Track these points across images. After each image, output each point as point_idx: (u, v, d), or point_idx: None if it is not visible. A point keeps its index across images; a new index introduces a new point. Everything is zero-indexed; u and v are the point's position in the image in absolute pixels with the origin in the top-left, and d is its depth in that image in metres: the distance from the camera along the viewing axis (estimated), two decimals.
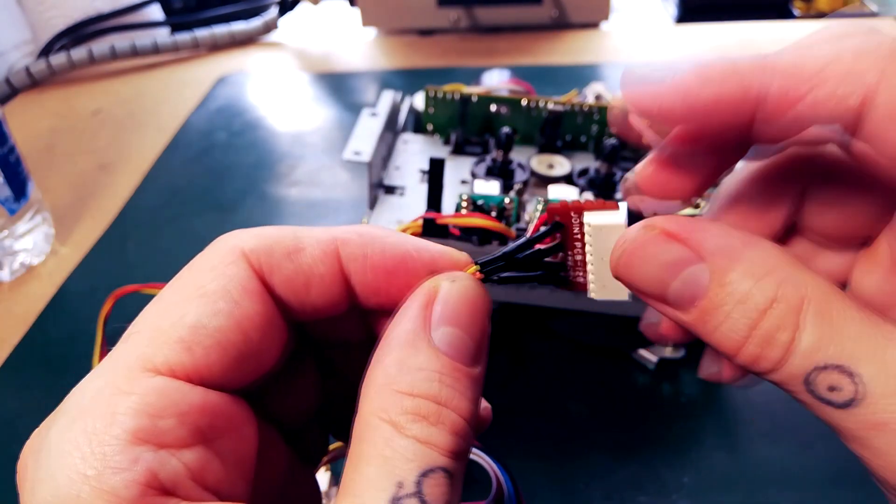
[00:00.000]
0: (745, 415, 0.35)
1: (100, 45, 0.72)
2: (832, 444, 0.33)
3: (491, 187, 0.35)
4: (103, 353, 0.39)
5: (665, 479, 0.32)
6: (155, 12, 0.81)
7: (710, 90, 0.16)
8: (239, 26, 0.79)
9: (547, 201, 0.34)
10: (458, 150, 0.43)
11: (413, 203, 0.39)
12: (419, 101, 0.46)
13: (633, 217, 0.18)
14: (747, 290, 0.15)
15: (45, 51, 0.74)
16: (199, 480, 0.15)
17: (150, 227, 0.51)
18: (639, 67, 0.17)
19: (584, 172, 0.40)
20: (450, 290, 0.16)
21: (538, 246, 0.19)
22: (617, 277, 0.18)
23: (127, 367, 0.15)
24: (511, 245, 0.19)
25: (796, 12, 0.80)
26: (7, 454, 0.36)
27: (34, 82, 0.72)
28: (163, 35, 0.78)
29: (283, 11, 0.80)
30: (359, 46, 0.79)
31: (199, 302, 0.16)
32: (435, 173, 0.34)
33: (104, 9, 0.76)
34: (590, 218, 0.18)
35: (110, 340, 0.41)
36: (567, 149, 0.44)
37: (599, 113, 0.42)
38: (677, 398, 0.36)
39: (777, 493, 0.32)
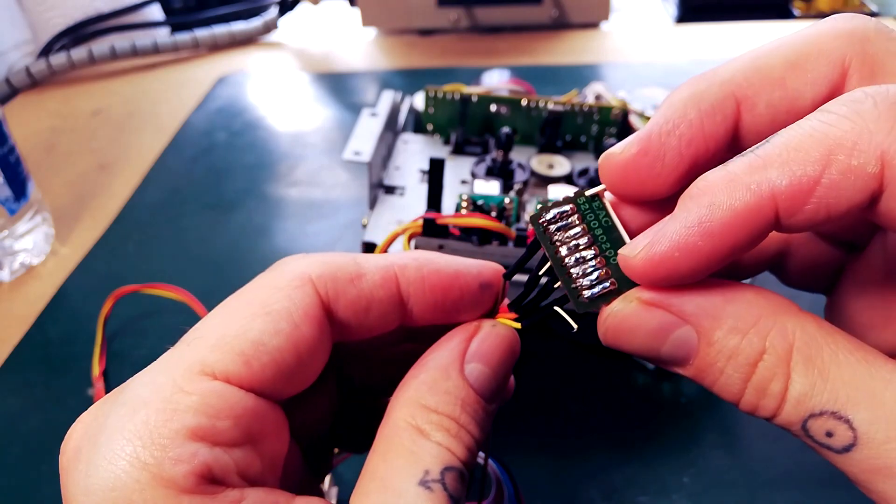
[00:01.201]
0: (745, 415, 0.35)
1: (100, 45, 0.72)
2: None
3: (491, 187, 0.35)
4: (103, 353, 0.39)
5: (665, 479, 0.32)
6: (155, 12, 0.81)
7: (721, 212, 0.15)
8: (239, 26, 0.79)
9: (547, 201, 0.34)
10: (458, 151, 0.43)
11: (413, 203, 0.39)
12: (419, 101, 0.46)
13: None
14: (735, 345, 0.15)
15: (45, 51, 0.74)
16: (243, 475, 0.16)
17: (150, 227, 0.51)
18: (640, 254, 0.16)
19: (584, 172, 0.40)
20: (489, 332, 0.19)
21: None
22: (610, 344, 0.18)
23: (187, 369, 0.16)
24: (534, 284, 0.19)
25: (796, 12, 0.80)
26: (7, 454, 0.36)
27: (34, 82, 0.72)
28: (163, 35, 0.78)
29: (283, 11, 0.80)
30: (359, 46, 0.79)
31: (263, 320, 0.17)
32: (435, 173, 0.34)
33: (104, 9, 0.76)
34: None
35: (110, 340, 0.41)
36: (567, 149, 0.44)
37: (599, 113, 0.42)
38: (677, 398, 0.36)
39: (777, 493, 0.32)
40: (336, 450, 0.25)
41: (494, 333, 0.19)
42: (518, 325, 0.20)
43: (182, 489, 0.15)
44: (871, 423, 0.14)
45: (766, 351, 0.15)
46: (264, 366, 0.17)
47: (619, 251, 0.17)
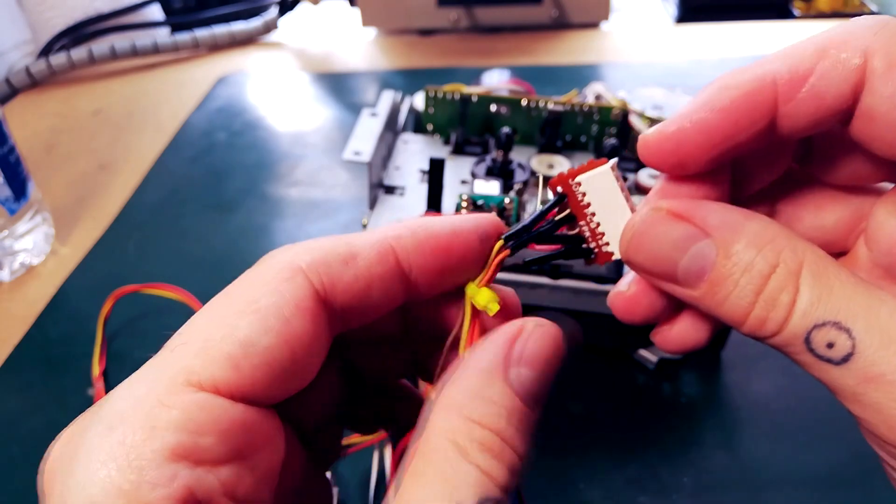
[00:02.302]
0: (745, 415, 0.35)
1: (100, 45, 0.72)
2: (832, 444, 0.33)
3: (491, 187, 0.35)
4: (103, 353, 0.39)
5: (665, 479, 0.32)
6: (155, 12, 0.81)
7: (730, 93, 0.17)
8: (239, 26, 0.79)
9: (547, 201, 0.34)
10: (458, 151, 0.43)
11: (413, 203, 0.39)
12: (419, 101, 0.46)
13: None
14: (751, 258, 0.16)
15: (45, 51, 0.74)
16: (230, 495, 0.15)
17: (150, 227, 0.51)
18: (651, 129, 0.18)
19: None
20: (533, 333, 0.17)
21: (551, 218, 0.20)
22: (627, 262, 0.19)
23: (170, 379, 0.15)
24: (526, 219, 0.19)
25: (796, 12, 0.80)
26: (7, 454, 0.36)
27: (34, 82, 0.72)
28: (163, 35, 0.78)
29: (283, 11, 0.80)
30: (359, 46, 0.79)
31: (252, 318, 0.16)
32: (435, 173, 0.34)
33: (104, 9, 0.76)
34: (580, 176, 0.19)
35: (110, 340, 0.41)
36: (567, 149, 0.44)
37: (599, 113, 0.43)
38: (677, 398, 0.36)
39: (777, 494, 0.32)
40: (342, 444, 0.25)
41: (540, 334, 0.18)
42: (507, 251, 0.19)
43: None
44: (867, 332, 0.15)
45: (778, 265, 0.16)
46: (255, 368, 0.15)
47: (641, 135, 0.18)
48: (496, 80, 0.52)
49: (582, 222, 0.20)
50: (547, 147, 0.43)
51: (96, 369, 0.39)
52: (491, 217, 0.19)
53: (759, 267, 0.16)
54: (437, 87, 0.43)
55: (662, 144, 0.18)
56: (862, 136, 0.17)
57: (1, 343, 0.42)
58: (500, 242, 0.19)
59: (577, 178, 0.19)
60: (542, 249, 0.22)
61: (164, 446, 0.14)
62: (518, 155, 0.41)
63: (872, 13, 0.78)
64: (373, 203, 0.39)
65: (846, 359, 0.16)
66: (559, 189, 0.20)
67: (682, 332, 0.20)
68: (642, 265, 0.18)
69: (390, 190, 0.40)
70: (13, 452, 0.35)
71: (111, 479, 0.14)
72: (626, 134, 0.42)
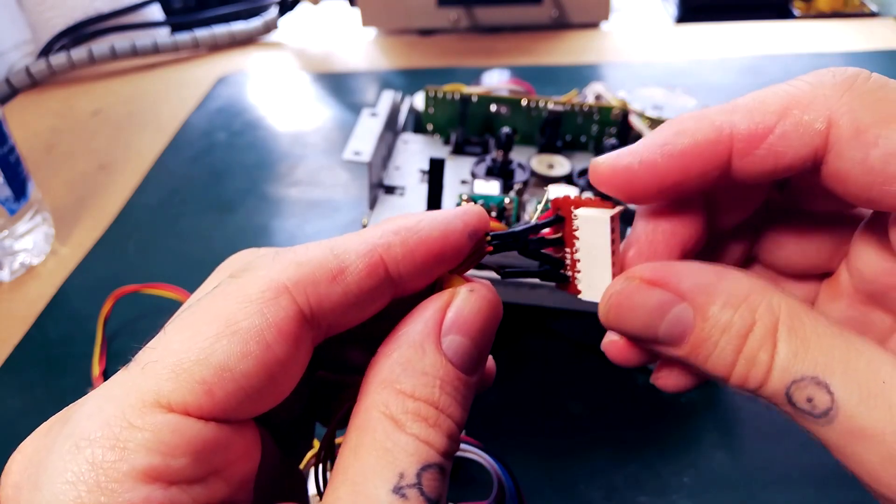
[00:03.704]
0: (745, 415, 0.35)
1: (100, 45, 0.72)
2: None
3: (491, 187, 0.35)
4: (103, 353, 0.39)
5: (665, 479, 0.32)
6: (155, 12, 0.81)
7: (683, 140, 0.18)
8: (239, 26, 0.79)
9: (547, 201, 0.34)
10: (458, 151, 0.43)
11: (413, 203, 0.39)
12: (419, 101, 0.46)
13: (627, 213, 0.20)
14: (728, 318, 0.17)
15: (45, 51, 0.74)
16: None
17: (150, 227, 0.51)
18: (604, 157, 0.19)
19: (584, 172, 0.40)
20: (466, 299, 0.17)
21: (542, 234, 0.20)
22: (610, 328, 0.19)
23: (140, 400, 0.14)
24: (519, 226, 0.20)
25: (796, 12, 0.80)
26: (7, 454, 0.36)
27: (34, 82, 0.72)
28: (163, 35, 0.78)
29: (283, 11, 0.80)
30: (359, 46, 0.79)
31: (230, 340, 0.15)
32: (435, 173, 0.34)
33: (104, 9, 0.76)
34: (580, 210, 0.20)
35: (110, 340, 0.41)
36: (567, 149, 0.44)
37: (599, 113, 0.43)
38: (677, 398, 0.36)
39: (777, 493, 0.32)
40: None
41: (473, 299, 0.17)
42: (490, 248, 0.19)
43: None
44: (845, 386, 0.15)
45: (755, 323, 0.16)
46: (229, 394, 0.15)
47: (592, 159, 0.19)
48: (496, 80, 0.52)
49: (568, 250, 0.20)
50: (547, 147, 0.43)
51: (96, 369, 0.39)
52: (477, 211, 0.19)
53: (736, 327, 0.16)
54: (437, 87, 0.43)
55: (612, 177, 0.19)
56: (833, 188, 0.17)
57: (1, 343, 0.42)
58: (487, 238, 0.19)
59: (577, 211, 0.20)
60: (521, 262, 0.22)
61: (135, 468, 0.14)
62: (518, 155, 0.41)
63: (873, 14, 0.78)
64: (373, 203, 0.39)
65: (826, 413, 0.16)
66: (559, 211, 0.20)
67: (677, 378, 0.21)
68: (624, 331, 0.19)
69: (390, 190, 0.40)
70: (13, 452, 0.35)
71: (80, 498, 0.13)
72: (626, 134, 0.42)
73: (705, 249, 0.21)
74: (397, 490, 0.15)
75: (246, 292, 0.15)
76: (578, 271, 0.20)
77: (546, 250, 0.20)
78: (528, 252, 0.20)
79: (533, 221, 0.20)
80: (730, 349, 0.17)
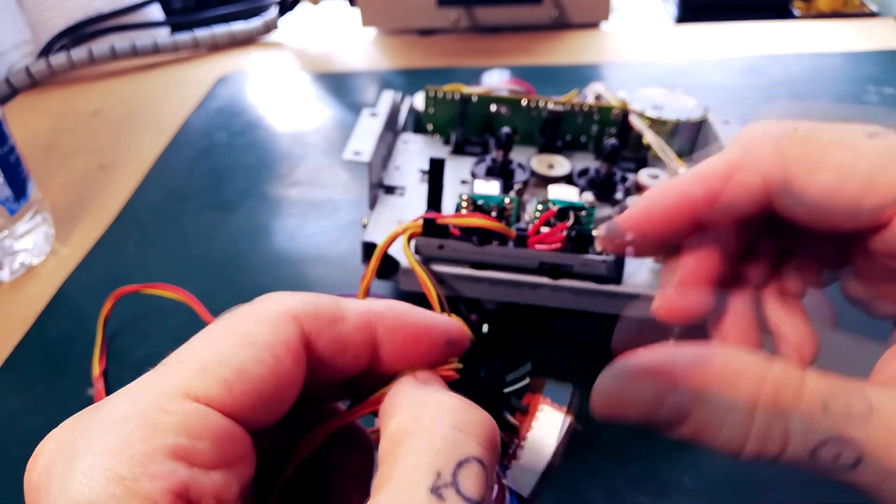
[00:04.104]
0: None
1: (100, 45, 0.72)
2: None
3: (491, 187, 0.35)
4: (103, 353, 0.39)
5: (666, 480, 0.32)
6: (155, 12, 0.81)
7: (654, 211, 0.23)
8: (239, 26, 0.79)
9: (547, 201, 0.34)
10: (458, 151, 0.43)
11: (413, 203, 0.39)
12: (419, 101, 0.46)
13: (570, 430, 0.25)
14: (730, 399, 0.17)
15: (45, 51, 0.75)
16: (218, 499, 0.16)
17: (151, 227, 0.51)
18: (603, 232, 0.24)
19: (584, 172, 0.40)
20: (429, 375, 0.20)
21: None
22: (606, 419, 0.20)
23: (169, 391, 0.16)
24: (500, 381, 0.24)
25: (796, 12, 0.80)
26: (7, 454, 0.36)
27: (34, 82, 0.72)
28: (163, 35, 0.78)
29: (283, 11, 0.80)
30: (359, 46, 0.79)
31: (248, 349, 0.17)
32: (435, 173, 0.34)
33: (104, 9, 0.76)
34: (544, 406, 0.25)
35: (110, 340, 0.41)
36: (567, 149, 0.44)
37: (599, 113, 0.42)
38: None
39: (778, 494, 0.32)
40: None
41: (432, 376, 0.20)
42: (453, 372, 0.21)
43: None
44: (869, 436, 0.16)
45: (759, 400, 0.17)
46: (245, 394, 0.17)
47: (598, 231, 0.24)
48: (496, 80, 0.52)
49: (516, 441, 0.24)
50: (547, 147, 0.43)
51: (96, 369, 0.39)
52: (462, 328, 0.21)
53: (740, 405, 0.17)
54: (437, 87, 0.43)
55: (613, 245, 0.24)
56: (790, 219, 0.21)
57: (1, 343, 0.42)
58: (456, 365, 0.21)
59: (541, 406, 0.25)
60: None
61: (163, 445, 0.15)
62: (518, 155, 0.41)
63: (873, 14, 0.78)
64: (373, 203, 0.39)
65: (856, 465, 0.16)
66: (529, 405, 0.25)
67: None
68: (623, 420, 0.20)
69: (390, 190, 0.40)
70: (13, 452, 0.35)
71: (113, 469, 0.15)
72: (626, 134, 0.42)
73: (734, 270, 0.24)
74: (435, 490, 0.15)
75: (262, 315, 0.18)
76: (515, 457, 0.24)
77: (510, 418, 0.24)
78: (495, 404, 0.24)
79: (512, 382, 0.25)
80: (738, 429, 0.17)
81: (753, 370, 0.17)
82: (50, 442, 0.17)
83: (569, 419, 0.23)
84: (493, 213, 0.34)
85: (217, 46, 0.79)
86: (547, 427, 0.24)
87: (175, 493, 0.15)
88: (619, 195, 0.38)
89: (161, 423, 0.16)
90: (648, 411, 0.19)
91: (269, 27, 0.80)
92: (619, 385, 0.19)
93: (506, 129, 0.38)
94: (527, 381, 0.24)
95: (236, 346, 0.17)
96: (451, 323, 0.21)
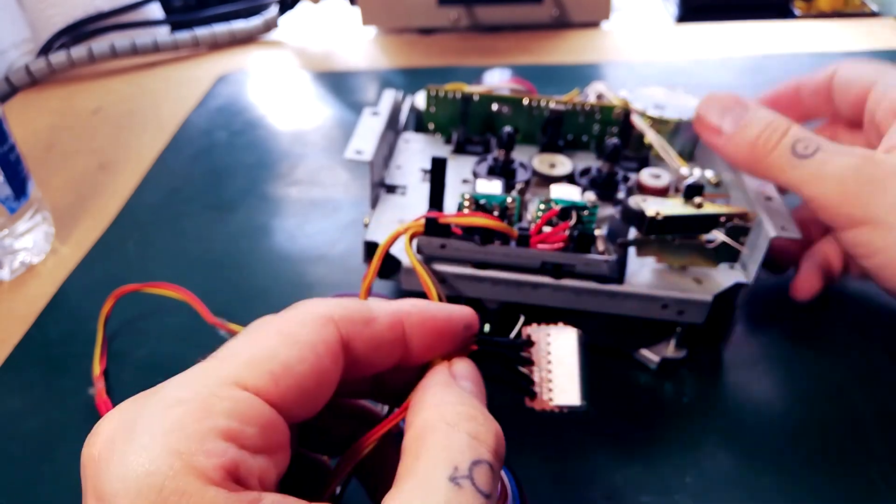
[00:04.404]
0: (747, 415, 0.35)
1: (100, 44, 0.72)
2: (833, 443, 0.33)
3: (493, 187, 0.35)
4: (104, 353, 0.39)
5: (667, 480, 0.32)
6: (155, 11, 0.81)
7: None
8: (239, 25, 0.79)
9: (549, 201, 0.34)
10: (460, 150, 0.43)
11: (415, 202, 0.39)
12: (420, 100, 0.45)
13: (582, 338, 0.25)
14: (764, 114, 0.33)
15: (45, 49, 0.74)
16: (261, 482, 0.18)
17: (151, 226, 0.51)
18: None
19: (585, 172, 0.40)
20: (462, 363, 0.23)
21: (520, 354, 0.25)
22: (700, 115, 0.35)
23: (221, 379, 0.18)
24: (504, 340, 0.25)
25: (797, 12, 0.80)
26: (7, 454, 0.36)
27: (34, 81, 0.71)
28: (163, 33, 0.78)
29: (283, 10, 0.80)
30: (359, 45, 0.79)
31: (292, 347, 0.19)
32: (437, 172, 0.34)
33: (104, 7, 0.76)
34: (552, 328, 0.26)
35: (111, 340, 0.41)
36: (569, 148, 0.44)
37: (601, 113, 0.42)
38: (679, 398, 0.36)
39: (778, 493, 0.32)
40: None
41: (466, 363, 0.23)
42: (475, 346, 0.24)
43: (210, 480, 0.16)
44: (828, 143, 0.31)
45: (774, 120, 0.32)
46: (289, 387, 0.19)
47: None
48: (497, 79, 0.52)
49: (535, 368, 0.25)
50: (549, 146, 0.42)
51: (97, 368, 0.38)
52: (473, 313, 0.24)
53: (771, 116, 0.32)
54: (438, 87, 0.43)
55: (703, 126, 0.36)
56: None
57: (1, 343, 0.42)
58: (474, 338, 0.24)
59: (550, 329, 0.25)
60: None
61: (216, 426, 0.17)
62: (519, 154, 0.41)
63: (873, 13, 0.77)
64: (374, 202, 0.39)
65: (814, 153, 0.30)
66: (530, 336, 0.25)
67: (812, 284, 0.36)
68: (706, 116, 0.34)
69: (392, 189, 0.40)
70: (13, 452, 0.35)
71: (171, 444, 0.16)
72: (628, 133, 0.42)
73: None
74: (453, 479, 0.18)
75: (302, 318, 0.20)
76: (550, 381, 0.25)
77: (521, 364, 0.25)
78: (507, 363, 0.25)
79: (509, 338, 0.25)
80: (760, 126, 0.32)
81: (775, 115, 0.32)
82: (109, 421, 0.18)
83: (577, 331, 0.25)
84: (496, 213, 0.33)
85: (217, 45, 0.79)
86: (562, 342, 0.25)
87: (226, 469, 0.17)
88: (620, 194, 0.38)
89: (214, 407, 0.17)
90: (721, 110, 0.33)
91: (270, 26, 0.80)
92: (711, 99, 0.35)
93: (507, 129, 0.38)
94: (526, 335, 0.26)
95: (281, 344, 0.19)
96: (464, 310, 0.24)
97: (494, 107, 0.43)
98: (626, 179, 0.39)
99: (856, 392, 0.36)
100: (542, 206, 0.34)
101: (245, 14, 0.82)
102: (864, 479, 0.32)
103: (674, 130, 0.42)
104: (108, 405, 0.36)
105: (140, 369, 0.40)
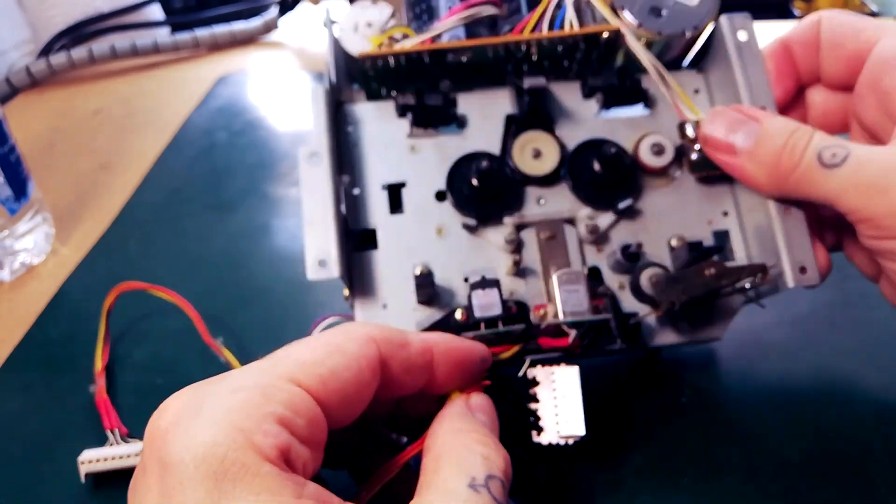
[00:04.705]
0: (746, 414, 0.35)
1: (100, 45, 0.72)
2: (833, 442, 0.33)
3: (490, 299, 0.29)
4: (106, 346, 0.39)
5: (666, 479, 0.32)
6: (155, 12, 0.81)
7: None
8: (239, 26, 0.79)
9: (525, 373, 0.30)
10: (422, 122, 0.34)
11: (393, 256, 0.33)
12: (347, 34, 0.37)
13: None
14: (783, 124, 0.29)
15: (46, 50, 0.74)
16: (304, 469, 0.20)
17: (151, 226, 0.51)
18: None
19: (578, 153, 0.33)
20: (478, 396, 0.26)
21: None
22: (705, 132, 0.31)
23: (278, 375, 0.21)
24: (515, 376, 0.28)
25: (796, 12, 0.80)
26: (7, 454, 0.36)
27: (34, 82, 0.72)
28: (163, 35, 0.78)
29: (283, 11, 0.80)
30: None
31: (339, 357, 0.22)
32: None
33: (104, 8, 0.76)
34: (557, 368, 0.29)
35: (114, 343, 0.41)
36: (549, 75, 0.34)
37: (585, 42, 0.33)
38: (678, 398, 0.36)
39: (778, 493, 0.32)
40: None
41: (480, 397, 0.26)
42: (488, 381, 0.27)
43: (266, 457, 0.18)
44: (857, 147, 0.27)
45: (799, 128, 0.28)
46: (334, 391, 0.21)
47: None
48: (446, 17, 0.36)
49: (539, 405, 0.28)
50: (528, 123, 0.34)
51: (99, 363, 0.38)
52: (487, 349, 0.27)
53: (789, 126, 0.28)
54: (369, 53, 0.34)
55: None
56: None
57: (1, 343, 0.42)
58: (487, 373, 0.27)
59: (555, 369, 0.28)
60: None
61: (274, 412, 0.19)
62: (488, 103, 0.34)
63: (873, 13, 0.77)
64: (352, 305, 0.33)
65: (844, 160, 0.26)
66: (535, 378, 0.28)
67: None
68: (714, 132, 0.30)
69: (365, 240, 0.33)
70: (13, 452, 0.35)
71: (233, 422, 0.18)
72: (622, 73, 0.34)
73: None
74: (472, 486, 0.20)
75: (349, 335, 0.23)
76: (556, 415, 0.28)
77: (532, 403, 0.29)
78: (516, 400, 0.28)
79: (519, 375, 0.28)
80: (780, 139, 0.28)
81: (792, 124, 0.28)
82: (176, 400, 0.20)
83: (577, 368, 0.28)
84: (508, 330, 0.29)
85: (217, 46, 0.79)
86: (566, 380, 0.28)
87: (280, 450, 0.19)
88: (621, 205, 0.33)
89: (274, 396, 0.20)
90: (731, 126, 0.29)
91: (270, 27, 0.80)
92: (719, 109, 0.31)
93: (483, 165, 0.32)
94: (531, 375, 0.28)
95: (330, 353, 0.22)
96: (481, 346, 0.27)
97: (450, 57, 0.34)
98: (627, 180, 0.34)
99: (856, 392, 0.36)
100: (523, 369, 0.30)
101: (245, 15, 0.82)
102: (864, 479, 0.32)
103: (681, 44, 0.34)
104: (107, 404, 0.36)
105: (141, 370, 0.40)
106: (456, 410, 0.25)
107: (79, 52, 0.71)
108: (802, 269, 0.30)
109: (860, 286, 0.41)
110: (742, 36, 0.33)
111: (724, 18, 0.33)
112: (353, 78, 0.37)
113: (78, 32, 0.75)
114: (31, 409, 0.38)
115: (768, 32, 0.33)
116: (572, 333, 0.30)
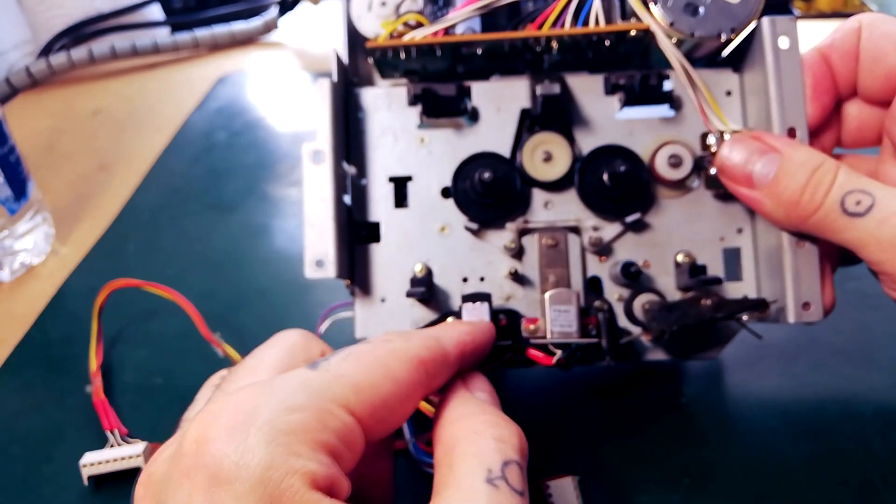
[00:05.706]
0: (745, 415, 0.35)
1: (100, 45, 0.72)
2: (833, 442, 0.33)
3: (480, 311, 0.30)
4: (100, 346, 0.39)
5: (666, 479, 0.32)
6: (155, 12, 0.81)
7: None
8: (239, 26, 0.79)
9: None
10: (433, 111, 0.33)
11: (395, 246, 0.33)
12: (360, 10, 0.35)
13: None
14: (805, 158, 0.26)
15: (46, 50, 0.74)
16: (343, 496, 0.20)
17: (151, 226, 0.51)
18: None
19: (590, 159, 0.32)
20: (474, 376, 0.26)
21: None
22: (722, 163, 0.29)
23: (335, 398, 0.20)
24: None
25: (796, 12, 0.80)
26: (7, 454, 0.36)
27: (34, 82, 0.72)
28: (163, 35, 0.78)
29: (283, 11, 0.80)
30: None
31: (392, 385, 0.22)
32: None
33: (104, 8, 0.76)
34: (553, 482, 0.29)
35: (110, 341, 0.41)
36: (567, 70, 0.33)
37: (611, 38, 0.30)
38: (678, 398, 0.36)
39: (778, 493, 0.32)
40: None
41: (475, 376, 0.26)
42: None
43: (318, 487, 0.18)
44: (884, 191, 0.24)
45: (822, 164, 0.26)
46: (381, 422, 0.21)
47: None
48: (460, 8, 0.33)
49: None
50: (541, 124, 0.32)
51: (93, 363, 0.38)
52: (491, 324, 0.28)
53: (812, 162, 0.26)
54: (378, 44, 0.32)
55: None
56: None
57: (1, 343, 0.42)
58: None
59: (551, 482, 0.29)
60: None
61: (329, 442, 0.19)
62: (501, 92, 0.32)
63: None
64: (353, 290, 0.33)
65: (869, 209, 0.24)
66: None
67: None
68: (730, 165, 0.28)
69: (368, 233, 0.33)
70: (13, 452, 0.35)
71: (290, 446, 0.18)
72: (648, 60, 0.32)
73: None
74: (489, 481, 0.20)
75: (399, 357, 0.22)
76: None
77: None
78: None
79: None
80: (802, 177, 0.26)
81: (823, 156, 0.26)
82: (224, 407, 0.20)
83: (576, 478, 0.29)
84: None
85: (217, 46, 0.79)
86: (562, 493, 0.29)
87: (330, 481, 0.19)
88: (628, 219, 0.31)
89: (328, 423, 0.20)
90: (748, 157, 0.27)
91: (269, 27, 0.80)
92: (737, 137, 0.29)
93: (486, 176, 0.31)
94: None
95: (383, 379, 0.21)
96: (490, 326, 0.28)
97: (465, 50, 0.32)
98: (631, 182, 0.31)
99: (856, 392, 0.36)
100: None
101: (245, 15, 0.82)
102: (864, 479, 0.32)
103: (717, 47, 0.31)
104: (105, 405, 0.36)
105: (141, 370, 0.40)
106: (456, 395, 0.24)
107: (79, 53, 0.71)
108: (806, 305, 0.29)
109: (860, 286, 0.41)
110: (783, 43, 0.29)
111: (766, 21, 0.30)
112: (368, 53, 0.34)
113: (78, 33, 0.75)
114: (30, 409, 0.38)
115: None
116: (558, 353, 0.29)
